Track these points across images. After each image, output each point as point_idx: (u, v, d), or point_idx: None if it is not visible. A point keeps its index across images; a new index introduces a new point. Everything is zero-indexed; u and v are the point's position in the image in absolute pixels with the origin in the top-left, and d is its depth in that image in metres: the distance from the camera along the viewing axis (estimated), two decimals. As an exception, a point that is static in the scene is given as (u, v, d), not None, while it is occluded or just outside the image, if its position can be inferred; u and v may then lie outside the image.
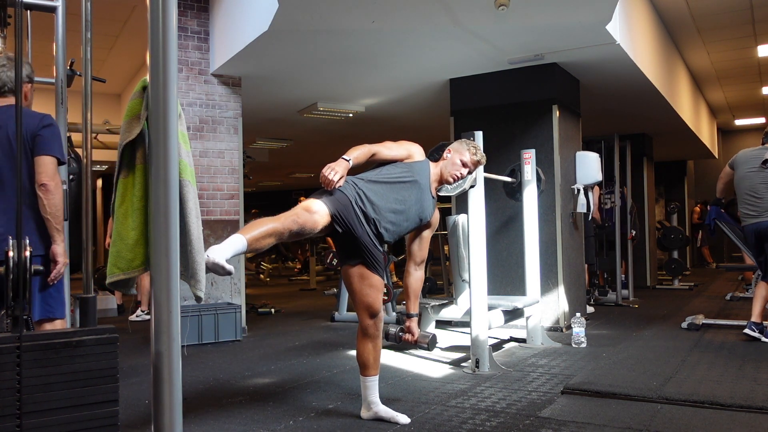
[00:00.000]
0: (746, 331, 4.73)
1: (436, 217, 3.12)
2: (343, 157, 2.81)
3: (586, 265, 6.54)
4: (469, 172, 3.13)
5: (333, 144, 9.83)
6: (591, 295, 7.31)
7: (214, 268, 2.30)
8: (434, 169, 3.07)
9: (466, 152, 3.07)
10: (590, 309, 6.59)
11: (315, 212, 2.68)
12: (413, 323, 3.14)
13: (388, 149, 2.97)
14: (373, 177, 2.90)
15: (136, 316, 6.58)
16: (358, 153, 2.84)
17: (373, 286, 2.87)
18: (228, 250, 2.38)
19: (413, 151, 3.04)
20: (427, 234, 3.13)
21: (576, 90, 6.11)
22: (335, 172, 2.74)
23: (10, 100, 2.58)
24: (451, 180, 3.06)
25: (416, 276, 3.13)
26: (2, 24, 2.77)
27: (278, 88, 6.33)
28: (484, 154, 3.18)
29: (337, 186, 2.75)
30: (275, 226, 2.55)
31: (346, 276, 2.91)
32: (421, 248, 3.12)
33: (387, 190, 2.87)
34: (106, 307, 7.13)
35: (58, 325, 2.68)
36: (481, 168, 3.94)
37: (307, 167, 13.88)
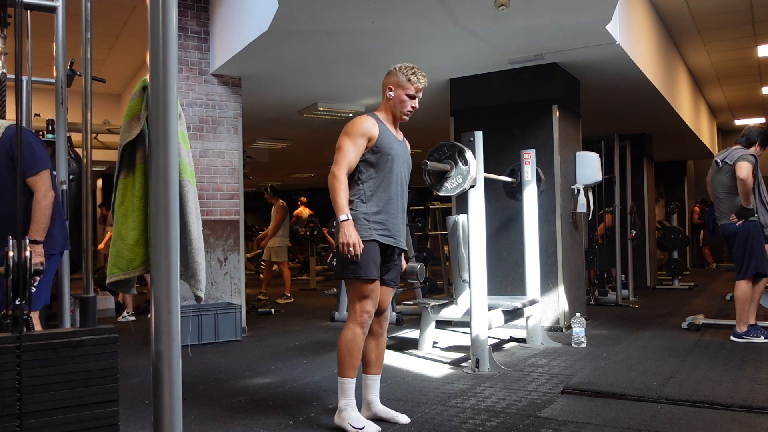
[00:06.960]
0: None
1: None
2: (340, 219, 2.70)
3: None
4: (418, 99, 2.96)
5: (333, 144, 9.70)
6: (591, 295, 7.32)
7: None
8: (386, 116, 2.95)
9: (407, 83, 2.89)
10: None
11: (373, 291, 2.80)
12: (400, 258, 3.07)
13: (351, 155, 2.84)
14: (373, 201, 2.84)
15: (122, 318, 6.56)
16: (343, 198, 2.74)
17: (389, 289, 2.98)
18: (352, 407, 2.81)
19: (365, 129, 2.84)
20: None
21: (576, 90, 6.11)
22: (351, 242, 2.67)
23: None
24: (406, 117, 2.94)
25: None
26: (2, 24, 2.77)
27: (278, 88, 6.33)
28: (423, 73, 2.93)
29: (360, 250, 2.71)
30: (362, 338, 2.80)
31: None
32: None
33: (387, 191, 2.85)
34: (106, 307, 7.12)
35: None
36: (481, 168, 3.94)
37: (307, 167, 13.88)
